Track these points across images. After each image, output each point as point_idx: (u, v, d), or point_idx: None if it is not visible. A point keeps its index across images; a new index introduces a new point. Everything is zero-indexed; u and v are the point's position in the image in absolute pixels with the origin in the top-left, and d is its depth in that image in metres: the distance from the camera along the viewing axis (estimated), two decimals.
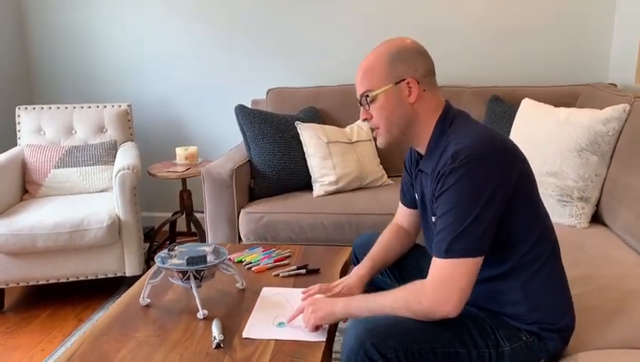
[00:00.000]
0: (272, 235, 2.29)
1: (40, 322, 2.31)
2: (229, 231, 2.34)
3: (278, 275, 1.67)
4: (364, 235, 1.71)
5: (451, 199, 1.16)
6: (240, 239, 2.35)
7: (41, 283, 2.38)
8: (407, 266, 1.58)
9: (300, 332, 1.34)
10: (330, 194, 2.44)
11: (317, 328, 1.33)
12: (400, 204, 1.59)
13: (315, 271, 1.69)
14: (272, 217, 2.29)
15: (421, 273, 1.53)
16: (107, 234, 2.33)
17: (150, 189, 3.14)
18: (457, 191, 1.16)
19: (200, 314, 1.42)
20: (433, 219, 1.28)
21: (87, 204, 2.46)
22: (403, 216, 1.59)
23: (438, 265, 1.17)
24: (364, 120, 1.33)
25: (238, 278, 1.58)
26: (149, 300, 1.51)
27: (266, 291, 1.56)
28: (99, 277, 2.42)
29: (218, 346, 1.28)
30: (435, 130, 1.27)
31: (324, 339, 1.30)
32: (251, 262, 1.76)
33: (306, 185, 2.50)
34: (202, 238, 2.48)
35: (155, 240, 2.99)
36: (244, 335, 1.33)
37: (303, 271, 1.69)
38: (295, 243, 2.23)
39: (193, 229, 2.90)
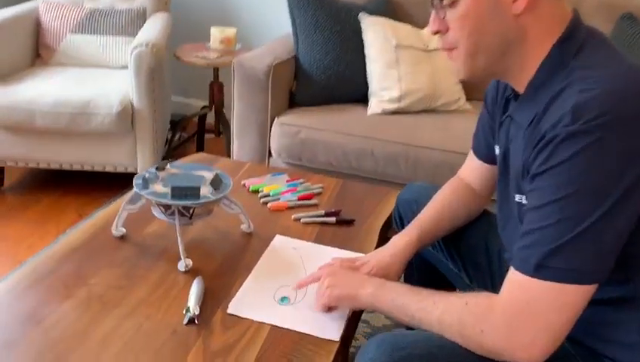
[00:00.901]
0: (308, 157, 1.89)
1: (37, 211, 2.09)
2: (258, 143, 1.96)
3: (299, 220, 1.30)
4: (414, 187, 1.28)
5: (561, 184, 0.72)
6: (270, 155, 1.97)
7: (42, 166, 2.12)
8: (469, 242, 1.16)
9: (308, 316, 0.98)
10: (389, 113, 1.99)
11: (330, 309, 0.98)
12: (471, 153, 1.14)
13: (348, 223, 1.30)
14: (311, 133, 1.88)
15: (488, 257, 1.12)
16: (117, 123, 2.00)
17: (185, 71, 2.76)
18: (574, 173, 0.71)
19: (181, 266, 1.08)
20: (519, 198, 0.85)
21: (100, 83, 2.13)
22: (473, 170, 1.15)
23: (521, 285, 0.75)
24: (435, 33, 0.85)
25: (243, 219, 1.22)
26: (123, 230, 1.18)
27: (278, 241, 1.20)
28: (107, 169, 2.14)
29: (191, 321, 0.95)
30: (549, 60, 0.80)
31: (338, 339, 0.94)
32: (269, 195, 1.38)
33: (361, 97, 2.04)
34: (229, 143, 2.13)
35: (184, 132, 2.67)
36: (231, 310, 0.98)
37: (333, 219, 1.30)
38: (334, 173, 1.83)
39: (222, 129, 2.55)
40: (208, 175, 1.16)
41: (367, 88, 2.03)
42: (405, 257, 1.07)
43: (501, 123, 0.94)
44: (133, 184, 1.12)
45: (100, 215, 1.25)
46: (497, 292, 1.07)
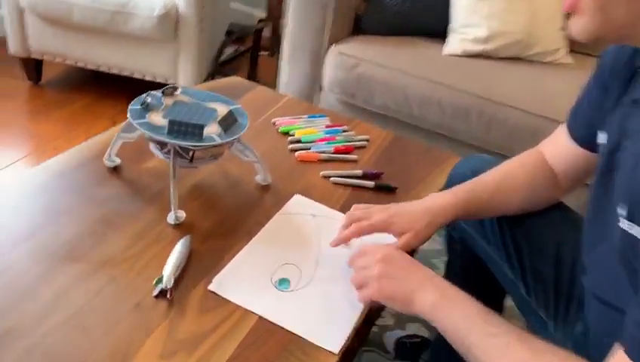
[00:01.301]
0: (364, 96, 1.63)
1: (71, 112, 1.98)
2: (309, 71, 1.71)
3: (329, 178, 1.07)
4: (474, 159, 1.01)
5: None
6: (321, 88, 1.72)
7: (79, 65, 1.98)
8: (535, 242, 0.90)
9: (308, 311, 0.78)
10: (470, 56, 1.67)
11: (372, 303, 0.77)
12: (563, 127, 0.86)
13: (389, 190, 1.07)
14: (371, 69, 1.61)
15: (558, 268, 0.88)
16: (157, 28, 1.81)
17: None
18: None
19: (171, 218, 0.90)
20: (628, 225, 0.58)
21: None
22: (559, 148, 0.87)
23: None
24: None
25: (259, 168, 1.01)
26: (117, 161, 1.00)
27: (295, 202, 0.99)
28: (146, 78, 1.97)
29: (162, 294, 0.77)
30: None
31: (337, 352, 0.74)
32: (300, 141, 1.16)
33: (440, 32, 1.72)
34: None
35: (241, 46, 2.45)
36: (213, 287, 0.80)
37: (371, 183, 1.07)
38: (391, 120, 1.58)
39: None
40: (223, 110, 0.95)
41: (448, 22, 1.71)
42: (440, 218, 0.83)
43: (617, 103, 0.65)
44: (128, 109, 0.92)
45: (98, 138, 1.08)
46: (562, 321, 0.84)
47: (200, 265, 0.83)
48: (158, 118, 0.91)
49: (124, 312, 0.74)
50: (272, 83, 1.82)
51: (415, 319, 1.39)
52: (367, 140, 1.21)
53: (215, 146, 0.90)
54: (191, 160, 0.91)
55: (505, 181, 0.88)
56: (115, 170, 1.00)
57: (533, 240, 0.90)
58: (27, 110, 2.01)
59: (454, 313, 0.67)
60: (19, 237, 0.82)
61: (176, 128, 0.87)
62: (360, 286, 0.76)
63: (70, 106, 2.00)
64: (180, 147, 0.88)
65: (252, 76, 2.28)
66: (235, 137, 0.90)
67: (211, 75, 2.11)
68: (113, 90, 2.10)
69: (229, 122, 0.92)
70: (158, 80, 1.96)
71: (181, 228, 0.89)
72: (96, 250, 0.82)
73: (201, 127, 0.88)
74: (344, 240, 0.85)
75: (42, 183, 0.94)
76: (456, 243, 1.05)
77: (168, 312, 0.75)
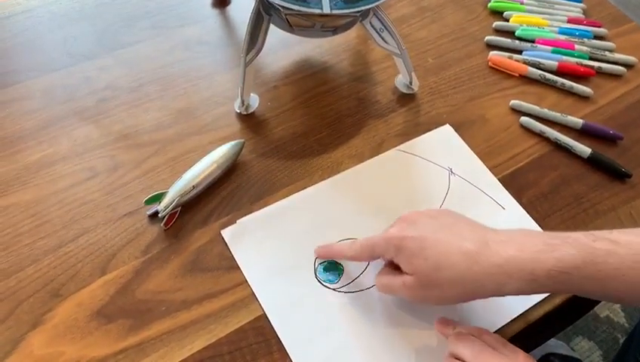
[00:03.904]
0: None
1: None
2: None
3: (520, 115, 0.66)
4: None
5: None
6: None
7: None
8: None
9: (356, 340, 0.50)
10: None
11: None
12: None
13: (616, 175, 0.62)
14: None
15: None
16: None
17: None
18: None
19: (237, 104, 0.63)
20: None
21: None
22: None
23: None
24: None
25: (401, 66, 0.65)
26: None
27: (438, 137, 0.63)
28: None
29: (155, 215, 0.55)
30: None
31: None
32: (513, 34, 0.73)
33: None
34: None
35: None
36: (226, 234, 0.54)
37: (587, 151, 0.63)
38: None
39: None
40: None
41: None
42: (511, 285, 0.41)
43: None
44: None
45: None
46: None
47: (240, 190, 0.57)
48: None
49: (106, 216, 0.54)
50: None
51: (590, 335, 0.99)
52: (632, 66, 0.72)
53: (320, 16, 0.56)
54: (289, 24, 0.60)
55: None
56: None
57: None
58: None
59: None
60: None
61: None
62: None
63: None
64: (268, 0, 0.57)
65: None
66: (351, 10, 0.55)
67: None
68: None
69: None
70: None
71: (247, 122, 0.63)
72: (123, 115, 0.62)
73: None
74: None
75: None
76: None
77: (150, 247, 0.53)
